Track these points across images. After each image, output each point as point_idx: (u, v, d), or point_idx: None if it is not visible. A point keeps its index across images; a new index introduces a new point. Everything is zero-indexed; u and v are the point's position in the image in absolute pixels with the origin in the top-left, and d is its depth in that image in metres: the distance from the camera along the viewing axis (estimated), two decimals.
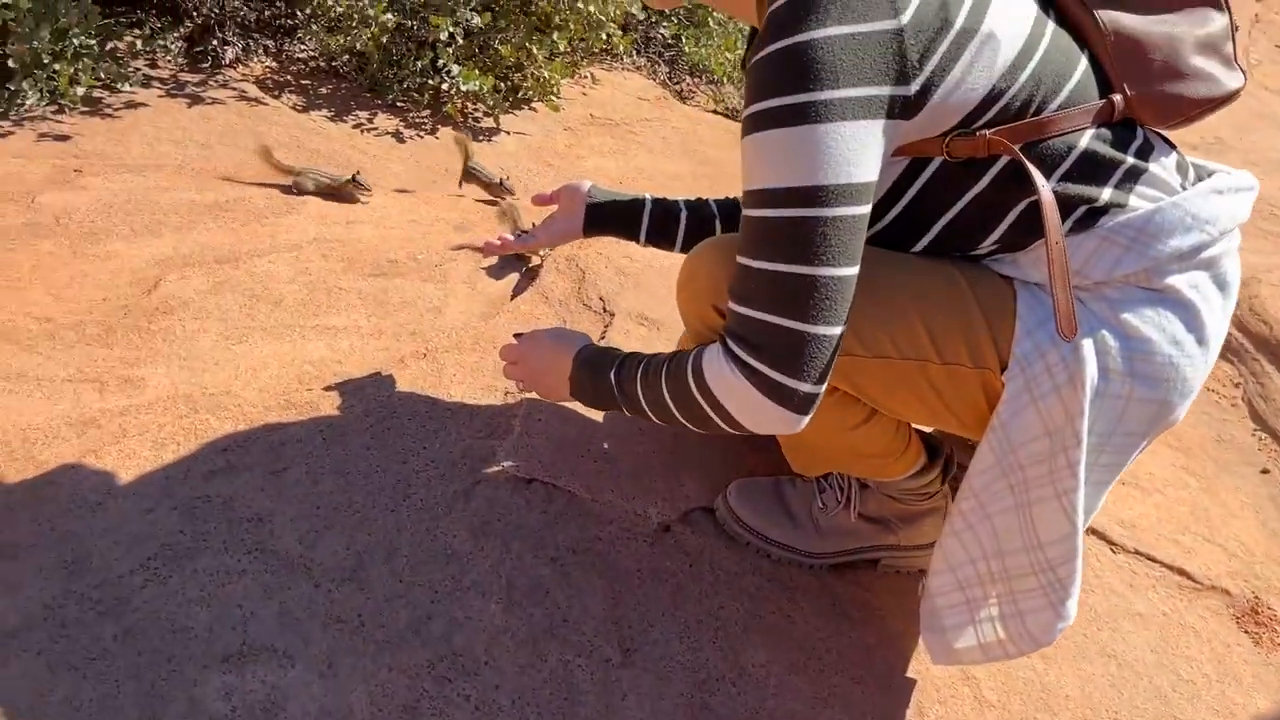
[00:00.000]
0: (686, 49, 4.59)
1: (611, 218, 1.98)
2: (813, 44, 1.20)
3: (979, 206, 1.40)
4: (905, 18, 1.22)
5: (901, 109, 1.26)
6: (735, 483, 1.89)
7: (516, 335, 1.77)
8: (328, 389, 2.00)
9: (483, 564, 1.70)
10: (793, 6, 1.22)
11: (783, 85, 1.21)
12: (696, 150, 3.88)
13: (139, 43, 3.29)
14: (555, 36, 3.63)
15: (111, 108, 3.03)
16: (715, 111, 4.38)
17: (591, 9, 3.63)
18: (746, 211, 1.29)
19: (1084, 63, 1.37)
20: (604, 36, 3.78)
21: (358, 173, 2.78)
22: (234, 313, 2.20)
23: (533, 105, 3.82)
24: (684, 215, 1.92)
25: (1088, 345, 1.39)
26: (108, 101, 3.05)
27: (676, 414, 1.43)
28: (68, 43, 2.93)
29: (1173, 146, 1.48)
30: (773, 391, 1.28)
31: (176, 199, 2.60)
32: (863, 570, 1.88)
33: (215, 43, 3.51)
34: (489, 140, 3.52)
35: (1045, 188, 1.32)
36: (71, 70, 2.90)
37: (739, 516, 1.85)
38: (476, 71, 3.46)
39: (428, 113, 3.58)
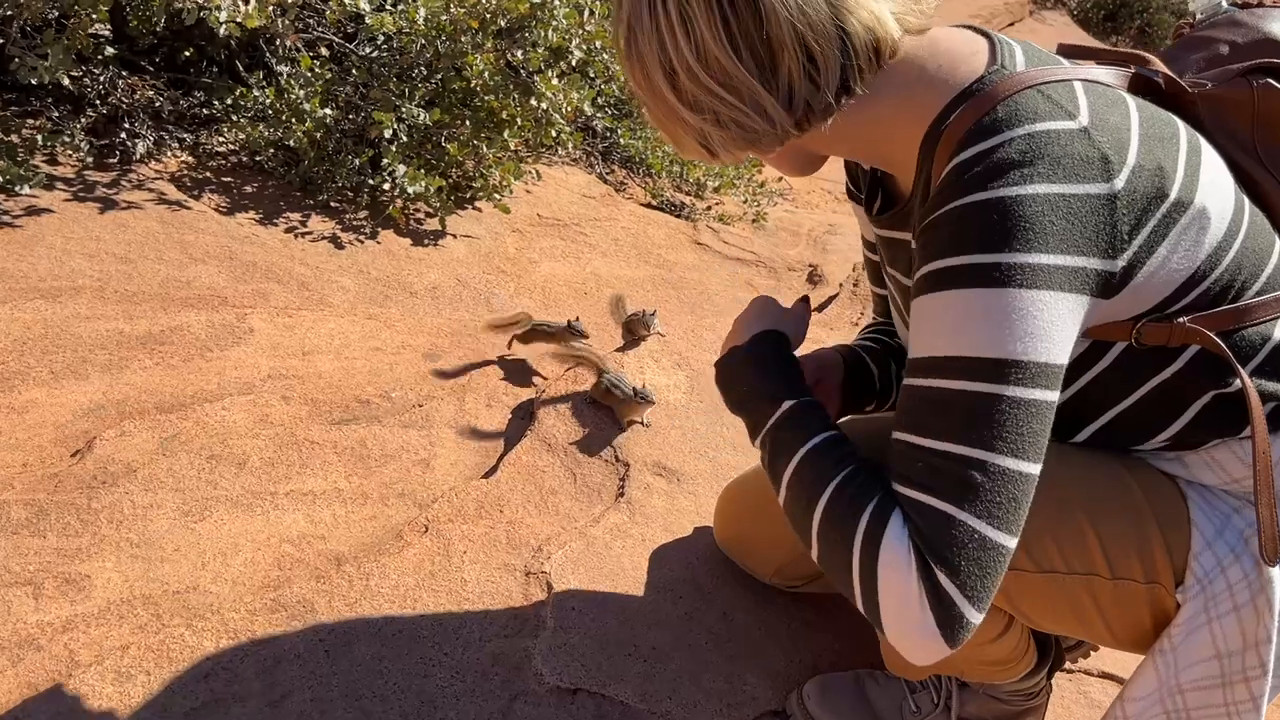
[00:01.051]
0: (623, 140, 4.42)
1: (856, 396, 1.59)
2: (1021, 200, 1.00)
3: (1158, 399, 1.21)
4: (1119, 183, 1.03)
5: (1104, 287, 1.06)
6: (812, 682, 1.65)
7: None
8: (319, 579, 1.68)
9: None
10: (993, 158, 1.02)
11: (983, 241, 1.01)
12: (651, 253, 3.68)
13: (39, 136, 2.90)
14: (506, 134, 3.38)
15: (10, 215, 2.63)
16: (652, 206, 4.21)
17: (543, 105, 3.40)
18: (918, 380, 1.06)
19: (1278, 244, 1.21)
20: (554, 133, 3.56)
21: (570, 320, 2.46)
22: (191, 480, 1.85)
23: (477, 205, 3.56)
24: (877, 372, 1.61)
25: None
26: (5, 207, 2.65)
27: (814, 529, 1.11)
28: None
29: None
30: (945, 616, 1.01)
31: (101, 330, 2.23)
32: None
33: (124, 135, 3.13)
34: (435, 245, 3.24)
35: (1253, 390, 1.15)
36: None
37: None
38: (422, 172, 3.18)
39: (365, 214, 3.27)
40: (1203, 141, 1.13)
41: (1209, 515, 1.24)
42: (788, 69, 1.06)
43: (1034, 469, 1.03)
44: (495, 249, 3.35)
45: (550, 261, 3.40)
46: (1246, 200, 1.17)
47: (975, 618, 1.02)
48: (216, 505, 1.80)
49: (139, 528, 1.72)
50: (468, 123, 3.39)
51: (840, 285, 3.39)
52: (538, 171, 3.80)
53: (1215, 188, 1.11)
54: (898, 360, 1.62)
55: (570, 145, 3.82)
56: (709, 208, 4.38)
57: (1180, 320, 1.14)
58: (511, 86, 3.42)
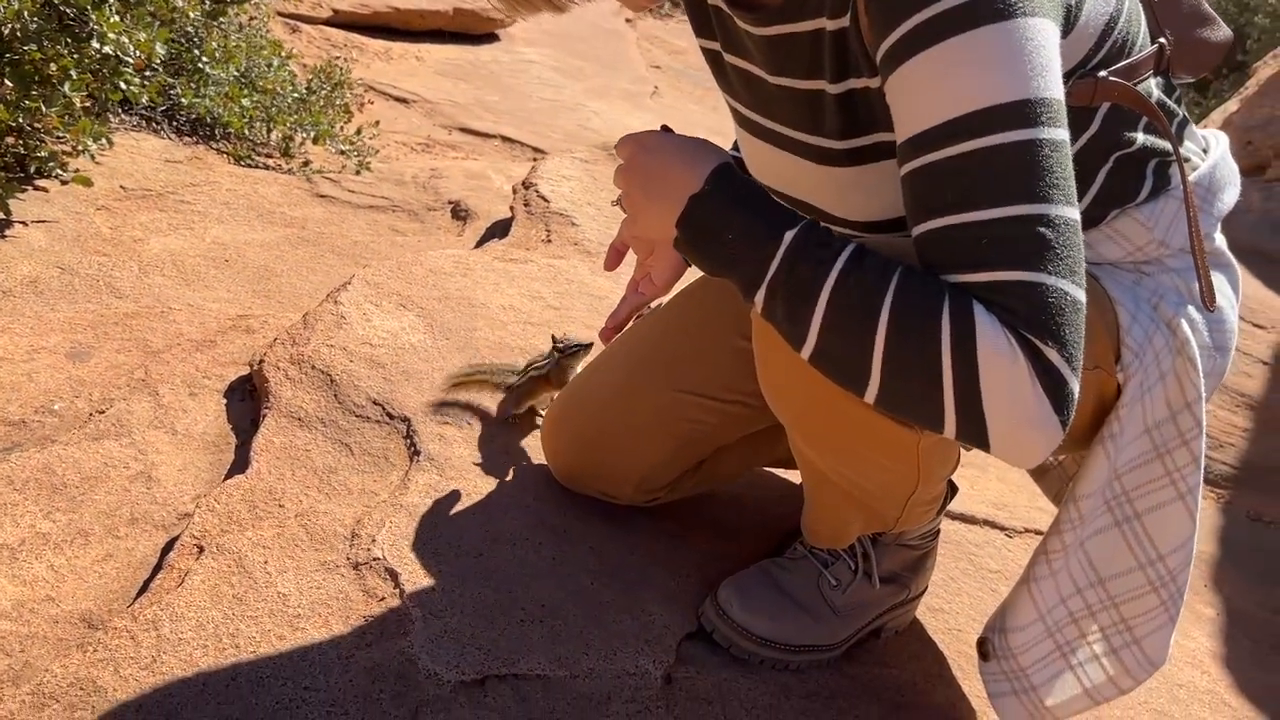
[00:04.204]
0: (185, 100, 3.78)
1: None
2: None
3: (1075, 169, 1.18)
4: None
5: (1066, 20, 1.01)
6: (725, 588, 1.46)
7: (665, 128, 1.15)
8: (85, 648, 1.19)
9: None
10: None
11: None
12: (273, 213, 3.18)
13: None
14: (68, 88, 2.71)
15: None
16: (248, 164, 3.67)
17: (108, 49, 2.77)
18: (935, 154, 0.92)
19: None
20: (121, 86, 2.93)
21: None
22: None
23: (39, 185, 2.84)
24: None
25: (1183, 324, 1.25)
26: None
27: (876, 358, 0.91)
28: None
29: None
30: (1058, 395, 0.89)
31: None
32: (868, 647, 1.56)
33: None
34: (1, 236, 2.53)
35: (1175, 142, 1.16)
36: None
37: (750, 631, 1.43)
38: None
39: None
40: None
41: (1123, 288, 1.25)
42: None
43: (1079, 214, 0.93)
44: (84, 231, 2.69)
45: (158, 237, 2.81)
46: None
47: (1076, 388, 0.91)
48: None
49: None
50: (7, 81, 2.67)
51: (511, 211, 3.15)
52: (108, 138, 3.11)
53: None
54: None
55: (145, 99, 3.16)
56: (306, 163, 3.91)
57: (1102, 74, 1.12)
58: (58, 30, 2.75)
